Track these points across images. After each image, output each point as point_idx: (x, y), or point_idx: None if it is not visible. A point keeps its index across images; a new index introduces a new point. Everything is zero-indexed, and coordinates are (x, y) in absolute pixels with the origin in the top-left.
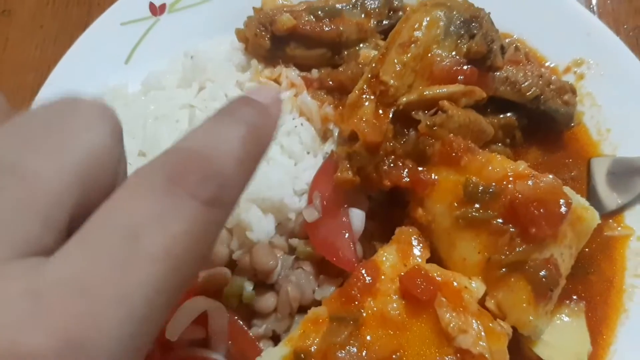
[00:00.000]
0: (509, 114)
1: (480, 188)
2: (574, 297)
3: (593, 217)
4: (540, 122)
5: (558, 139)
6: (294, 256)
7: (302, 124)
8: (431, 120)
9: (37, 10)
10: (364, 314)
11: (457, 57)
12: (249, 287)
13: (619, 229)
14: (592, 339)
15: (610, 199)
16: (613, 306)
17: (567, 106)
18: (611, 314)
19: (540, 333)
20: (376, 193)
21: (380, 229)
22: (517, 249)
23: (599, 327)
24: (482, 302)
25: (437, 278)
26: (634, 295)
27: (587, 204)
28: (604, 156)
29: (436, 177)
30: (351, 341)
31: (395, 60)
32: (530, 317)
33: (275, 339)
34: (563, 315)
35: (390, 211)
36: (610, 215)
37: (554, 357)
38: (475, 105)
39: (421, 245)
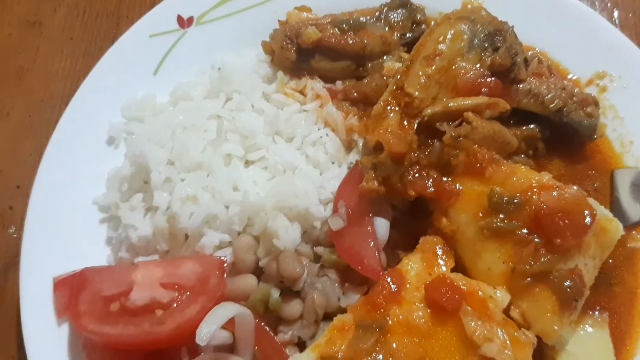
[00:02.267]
0: (532, 126)
1: (505, 199)
2: (598, 308)
3: (617, 228)
4: (563, 134)
5: (581, 150)
6: (319, 264)
7: (327, 135)
8: (456, 132)
9: (66, 23)
10: (390, 322)
11: (481, 69)
12: (275, 294)
13: None
14: (615, 350)
15: (634, 210)
16: (637, 317)
17: (590, 118)
18: (635, 325)
19: (564, 343)
20: (400, 203)
21: (404, 239)
22: (542, 259)
23: (622, 339)
24: (506, 312)
25: (463, 287)
26: None
27: (610, 215)
28: (628, 168)
29: (460, 188)
30: (377, 348)
31: (420, 73)
32: (555, 327)
33: (301, 345)
34: (587, 326)
35: (414, 221)
36: (633, 226)
37: None
38: (499, 117)
39: (446, 254)
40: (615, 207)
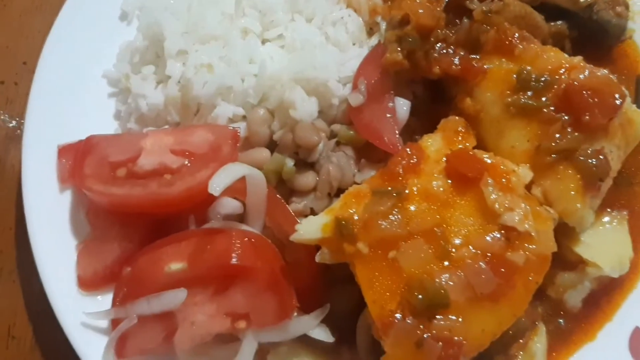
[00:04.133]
0: (560, 22)
1: (534, 76)
2: (617, 206)
3: None
4: (591, 35)
5: (607, 53)
6: (335, 140)
7: (349, 15)
8: (487, 6)
9: None
10: (407, 191)
11: None
12: (289, 163)
13: None
14: (634, 247)
15: None
16: None
17: (619, 18)
18: None
19: (585, 225)
20: (420, 88)
21: (423, 125)
22: (569, 137)
23: None
24: (528, 190)
25: (485, 160)
26: None
27: (637, 109)
28: None
29: (489, 66)
30: (394, 211)
31: None
32: (578, 205)
33: None
34: (606, 220)
35: (433, 107)
36: None
37: (596, 257)
38: (530, 4)
39: (468, 133)
40: None
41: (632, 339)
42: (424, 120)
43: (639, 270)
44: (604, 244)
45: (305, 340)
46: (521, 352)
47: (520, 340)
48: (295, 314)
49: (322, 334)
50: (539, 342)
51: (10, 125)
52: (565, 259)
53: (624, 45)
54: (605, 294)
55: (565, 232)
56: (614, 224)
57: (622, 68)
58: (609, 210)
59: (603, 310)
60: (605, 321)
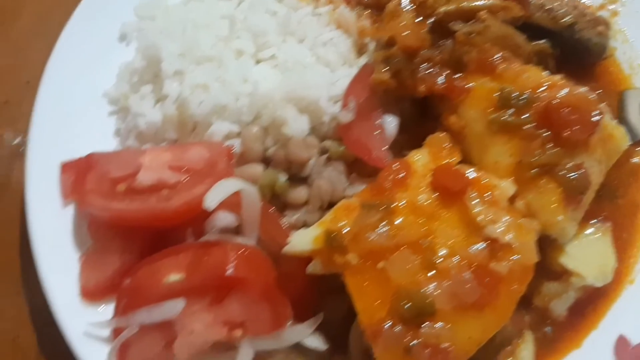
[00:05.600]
0: (543, 41)
1: (515, 94)
2: (601, 218)
3: (623, 136)
4: (574, 53)
5: (590, 71)
6: (326, 155)
7: (339, 36)
8: (470, 28)
9: None
10: (395, 204)
11: None
12: (282, 178)
13: None
14: (618, 259)
15: None
16: None
17: (600, 37)
18: (637, 236)
19: (567, 236)
20: (408, 106)
21: (411, 142)
22: (549, 152)
23: (624, 248)
24: (511, 204)
25: (469, 174)
26: None
27: (617, 124)
28: (637, 89)
29: (471, 84)
30: (382, 224)
31: None
32: (559, 217)
33: None
34: (589, 232)
35: (420, 125)
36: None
37: (579, 268)
38: (512, 24)
39: (453, 149)
40: (622, 125)
41: (617, 346)
42: (411, 137)
43: (622, 280)
44: (587, 254)
45: (299, 349)
46: (509, 359)
47: (508, 348)
48: (290, 323)
49: (316, 342)
50: (526, 349)
51: (14, 142)
52: (550, 269)
53: (606, 63)
54: (590, 303)
55: (549, 244)
56: (598, 235)
57: (604, 85)
58: (592, 222)
59: (588, 319)
60: (590, 329)
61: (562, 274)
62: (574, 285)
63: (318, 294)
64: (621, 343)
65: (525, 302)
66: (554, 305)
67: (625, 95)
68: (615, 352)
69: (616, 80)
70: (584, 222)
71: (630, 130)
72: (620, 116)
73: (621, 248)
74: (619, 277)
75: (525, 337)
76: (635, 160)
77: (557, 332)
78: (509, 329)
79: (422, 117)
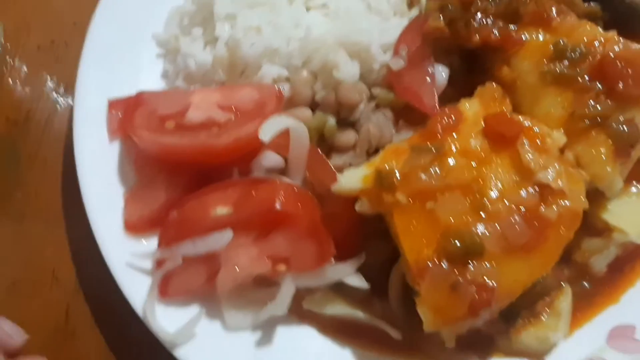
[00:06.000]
0: (593, 4)
1: (570, 47)
2: None
3: None
4: (623, 18)
5: (638, 37)
6: (375, 102)
7: None
8: None
9: None
10: (446, 148)
11: None
12: (331, 120)
13: None
14: None
15: None
16: None
17: None
18: None
19: (614, 189)
20: (458, 58)
21: (460, 96)
22: (602, 105)
23: None
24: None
25: (523, 122)
26: None
27: None
28: None
29: (527, 37)
30: (433, 165)
31: None
32: (608, 169)
33: None
34: (633, 192)
35: (469, 79)
36: None
37: (622, 224)
38: None
39: (504, 99)
40: None
41: None
42: (460, 90)
43: None
44: (630, 212)
45: (339, 289)
46: (547, 309)
47: (547, 298)
48: (332, 261)
49: (357, 281)
50: (564, 302)
51: (59, 83)
52: (592, 226)
53: None
54: (629, 260)
55: (593, 201)
56: None
57: None
58: (635, 182)
59: (627, 275)
60: (628, 286)
61: (604, 231)
62: (616, 241)
63: (361, 238)
64: None
65: (566, 258)
66: (594, 260)
67: None
68: None
69: None
70: (628, 181)
71: None
72: None
73: None
74: None
75: (565, 290)
76: None
77: (595, 287)
78: (549, 280)
79: (471, 71)
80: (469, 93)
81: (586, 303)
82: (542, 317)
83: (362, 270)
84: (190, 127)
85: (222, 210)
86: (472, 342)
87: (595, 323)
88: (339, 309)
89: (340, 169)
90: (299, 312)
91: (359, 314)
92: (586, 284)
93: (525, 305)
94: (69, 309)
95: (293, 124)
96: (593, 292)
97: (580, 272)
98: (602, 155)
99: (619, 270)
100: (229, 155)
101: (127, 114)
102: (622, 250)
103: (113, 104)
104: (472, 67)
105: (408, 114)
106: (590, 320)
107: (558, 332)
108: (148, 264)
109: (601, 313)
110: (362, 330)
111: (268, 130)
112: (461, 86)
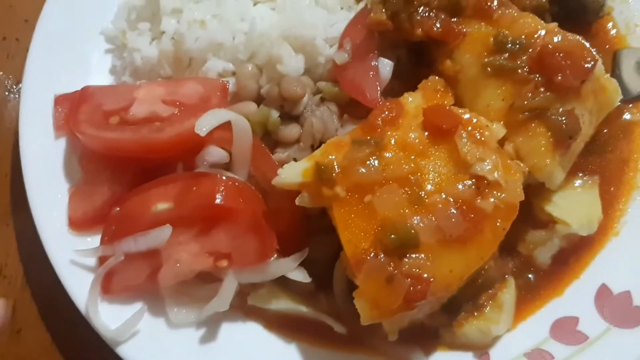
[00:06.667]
0: None
1: (510, 39)
2: (590, 172)
3: (615, 90)
4: (571, 11)
5: (586, 28)
6: (320, 96)
7: None
8: None
9: None
10: (385, 141)
11: None
12: (275, 114)
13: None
14: (603, 211)
15: (635, 84)
16: (627, 184)
17: None
18: (624, 190)
19: (555, 181)
20: (403, 51)
21: (404, 88)
22: (541, 97)
23: (611, 201)
24: (500, 146)
25: (461, 114)
26: None
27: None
28: (632, 48)
29: (468, 29)
30: (371, 159)
31: None
32: (547, 161)
33: None
34: (577, 183)
35: (414, 72)
36: (632, 100)
37: (565, 216)
38: None
39: (446, 92)
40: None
41: (597, 295)
42: (405, 83)
43: (607, 232)
44: (574, 204)
45: (284, 284)
46: (490, 302)
47: (490, 291)
48: (275, 256)
49: (300, 276)
50: (507, 294)
51: (9, 78)
52: (536, 218)
53: (602, 22)
54: (574, 253)
55: (537, 193)
56: (585, 187)
57: (599, 44)
58: (580, 174)
59: (571, 268)
60: (573, 278)
61: (548, 223)
62: (559, 233)
63: (306, 233)
64: (602, 292)
65: (510, 250)
66: (538, 252)
67: (620, 54)
68: (596, 301)
69: (611, 40)
70: (572, 174)
71: (623, 87)
72: (614, 74)
73: (607, 201)
74: (603, 229)
75: (508, 282)
76: (626, 117)
77: (539, 279)
78: (492, 273)
79: (417, 64)
80: (414, 85)
81: (530, 296)
82: (485, 310)
83: (308, 265)
84: (133, 121)
85: (162, 205)
86: (416, 335)
87: (539, 315)
88: (283, 304)
89: (285, 163)
90: (244, 308)
91: (303, 309)
92: (531, 277)
93: (468, 298)
94: (16, 305)
95: (233, 117)
96: (537, 285)
97: (524, 265)
98: (542, 147)
99: (564, 262)
100: (172, 150)
101: (72, 109)
102: (566, 243)
103: (59, 100)
104: (419, 60)
105: (354, 108)
106: (533, 313)
107: (500, 324)
108: (92, 261)
109: (545, 306)
110: (308, 325)
111: (204, 124)
112: (407, 79)
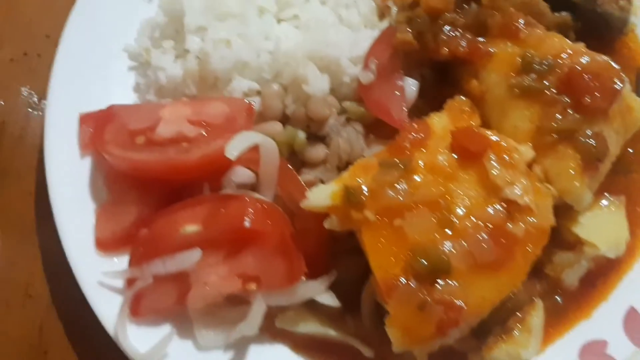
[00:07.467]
0: (564, 13)
1: (537, 59)
2: (616, 192)
3: None
4: (594, 27)
5: (610, 45)
6: (345, 116)
7: None
8: None
9: None
10: (414, 163)
11: None
12: (301, 134)
13: None
14: (630, 232)
15: None
16: None
17: (622, 11)
18: None
19: (583, 203)
20: (428, 70)
21: (430, 108)
22: (569, 118)
23: (637, 222)
24: (529, 168)
25: (490, 137)
26: None
27: (636, 97)
28: None
29: (494, 49)
30: (400, 182)
31: None
32: (576, 183)
33: None
34: (604, 204)
35: (439, 91)
36: None
37: (593, 237)
38: None
39: (472, 113)
40: None
41: (626, 318)
42: (431, 102)
43: (635, 253)
44: (601, 225)
45: (311, 307)
46: (519, 325)
47: (519, 314)
48: (304, 279)
49: (329, 299)
50: (536, 317)
51: (32, 94)
52: (563, 240)
53: (626, 39)
54: (601, 275)
55: (564, 214)
56: (612, 208)
57: (623, 61)
58: (606, 195)
59: (599, 290)
60: (600, 300)
61: (575, 245)
62: (587, 255)
63: (333, 254)
64: (631, 315)
65: (538, 271)
66: (565, 275)
67: None
68: (625, 324)
69: (635, 57)
70: (599, 194)
71: None
72: (638, 92)
73: (634, 222)
74: (631, 251)
75: (536, 305)
76: None
77: (567, 301)
78: (520, 295)
79: (441, 83)
80: (440, 105)
81: (558, 318)
82: (514, 334)
83: (334, 286)
84: (160, 142)
85: (191, 228)
86: (445, 359)
87: (567, 339)
88: (311, 327)
89: (311, 184)
90: (271, 330)
91: (331, 331)
92: (558, 299)
93: (497, 321)
94: (43, 326)
95: (261, 140)
96: (565, 307)
97: (552, 287)
98: (570, 170)
99: (591, 284)
100: (199, 171)
101: (97, 129)
102: (594, 265)
103: (84, 118)
104: (444, 79)
105: (379, 128)
106: (562, 335)
107: (529, 348)
108: (119, 283)
109: (573, 328)
110: (335, 348)
111: (235, 148)
112: (432, 98)
